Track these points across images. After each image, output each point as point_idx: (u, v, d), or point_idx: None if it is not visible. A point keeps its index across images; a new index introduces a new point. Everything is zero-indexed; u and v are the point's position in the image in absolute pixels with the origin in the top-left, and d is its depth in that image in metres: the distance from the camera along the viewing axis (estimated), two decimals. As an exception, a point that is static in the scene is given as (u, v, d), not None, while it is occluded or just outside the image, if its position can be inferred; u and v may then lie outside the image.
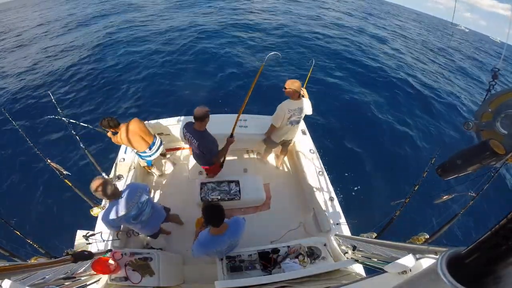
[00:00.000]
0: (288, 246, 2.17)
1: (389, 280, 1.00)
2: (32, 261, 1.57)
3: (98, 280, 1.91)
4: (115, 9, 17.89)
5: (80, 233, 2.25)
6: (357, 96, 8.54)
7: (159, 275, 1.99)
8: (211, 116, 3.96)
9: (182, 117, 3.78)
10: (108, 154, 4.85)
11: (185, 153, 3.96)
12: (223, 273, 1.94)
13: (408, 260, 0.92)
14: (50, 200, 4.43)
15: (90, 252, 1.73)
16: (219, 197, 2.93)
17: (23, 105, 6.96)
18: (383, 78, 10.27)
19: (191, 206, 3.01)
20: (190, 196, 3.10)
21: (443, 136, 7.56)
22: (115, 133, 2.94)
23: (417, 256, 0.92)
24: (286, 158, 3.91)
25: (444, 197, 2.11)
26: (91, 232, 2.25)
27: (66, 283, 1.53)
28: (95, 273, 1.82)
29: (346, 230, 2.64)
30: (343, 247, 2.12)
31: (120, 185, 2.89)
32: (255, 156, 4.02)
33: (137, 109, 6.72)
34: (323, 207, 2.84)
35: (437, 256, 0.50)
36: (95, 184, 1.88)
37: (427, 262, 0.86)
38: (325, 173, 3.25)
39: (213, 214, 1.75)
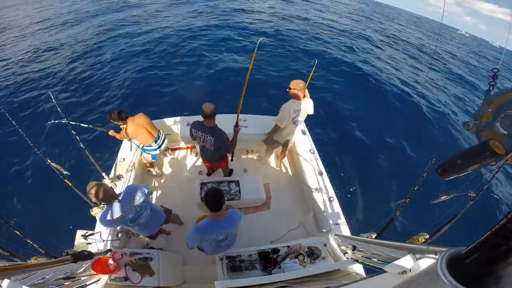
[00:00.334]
0: (288, 246, 2.17)
1: (389, 280, 1.00)
2: (32, 261, 1.57)
3: (98, 280, 1.91)
4: (111, 7, 17.87)
5: (80, 233, 2.25)
6: (357, 95, 8.54)
7: (159, 275, 1.99)
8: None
9: (179, 118, 3.79)
10: (108, 154, 4.86)
11: (184, 153, 3.96)
12: (223, 273, 1.94)
13: (408, 260, 0.92)
14: (50, 200, 4.43)
15: (90, 252, 1.73)
16: (219, 197, 2.93)
17: (23, 105, 6.96)
18: (384, 80, 10.27)
19: (191, 206, 3.01)
20: (190, 196, 3.10)
21: (443, 137, 7.56)
22: (118, 130, 2.96)
23: (417, 256, 0.92)
24: (286, 158, 3.91)
25: (443, 197, 2.11)
26: (90, 232, 2.25)
27: (66, 283, 1.53)
28: (95, 273, 1.82)
29: (346, 230, 2.64)
30: (343, 247, 2.12)
31: (120, 185, 2.89)
32: (255, 156, 4.02)
33: (135, 108, 6.73)
34: (323, 207, 2.84)
35: (437, 256, 0.50)
36: (88, 188, 1.89)
37: (427, 262, 0.86)
38: (325, 173, 3.25)
39: (214, 198, 1.81)
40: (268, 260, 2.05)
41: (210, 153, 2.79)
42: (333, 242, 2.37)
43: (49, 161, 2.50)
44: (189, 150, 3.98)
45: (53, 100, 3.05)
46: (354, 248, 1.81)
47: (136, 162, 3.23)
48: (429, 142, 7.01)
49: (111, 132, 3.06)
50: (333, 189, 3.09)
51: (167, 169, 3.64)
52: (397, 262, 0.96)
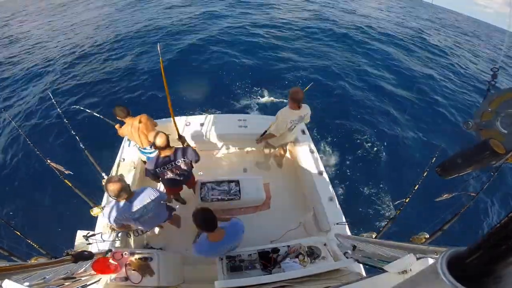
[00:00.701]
0: (288, 246, 2.17)
1: (389, 280, 1.00)
2: (32, 261, 1.57)
3: (99, 280, 1.91)
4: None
5: (80, 233, 2.25)
6: (357, 95, 8.54)
7: (159, 275, 1.99)
8: (210, 116, 3.98)
9: (177, 118, 3.78)
10: (108, 154, 4.85)
11: None
12: (223, 273, 1.93)
13: (408, 260, 0.92)
14: (50, 200, 4.43)
15: (90, 252, 1.73)
16: (219, 197, 2.93)
17: (23, 105, 6.96)
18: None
19: (191, 206, 3.01)
20: (190, 196, 3.10)
21: (443, 136, 7.55)
22: (122, 124, 2.98)
23: (417, 255, 0.92)
24: (286, 158, 3.91)
25: (445, 195, 2.11)
26: (91, 233, 2.25)
27: (67, 283, 1.53)
28: (95, 273, 1.82)
29: (346, 230, 2.64)
30: (343, 247, 2.12)
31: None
32: (255, 156, 4.01)
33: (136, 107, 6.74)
34: (323, 207, 2.84)
35: (437, 256, 0.50)
36: (109, 181, 1.90)
37: (427, 262, 0.86)
38: (325, 173, 3.25)
39: (203, 219, 1.73)
40: (268, 260, 2.05)
41: (185, 175, 2.63)
42: (333, 242, 2.37)
43: (49, 161, 2.50)
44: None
45: (53, 100, 3.05)
46: (354, 247, 1.81)
47: (136, 162, 3.23)
48: (429, 142, 7.01)
49: (117, 126, 3.10)
50: (333, 189, 3.09)
51: None
52: (397, 261, 0.96)
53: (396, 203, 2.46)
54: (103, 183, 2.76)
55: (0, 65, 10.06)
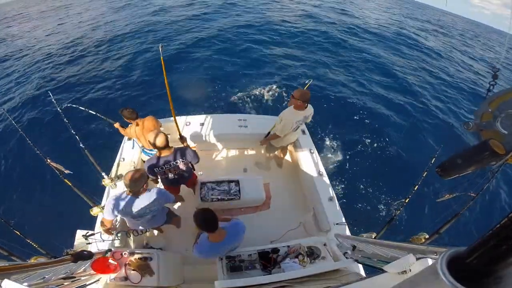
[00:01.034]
0: (288, 246, 2.17)
1: (389, 280, 0.99)
2: (32, 261, 1.57)
3: (98, 280, 1.91)
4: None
5: (79, 233, 2.25)
6: (357, 94, 8.54)
7: (159, 275, 1.99)
8: (210, 116, 3.98)
9: (179, 117, 3.78)
10: (108, 154, 4.85)
11: None
12: (223, 273, 1.93)
13: (408, 260, 0.92)
14: (50, 200, 4.43)
15: (90, 252, 1.73)
16: (219, 197, 2.93)
17: (23, 105, 6.96)
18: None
19: (191, 206, 3.01)
20: (190, 196, 3.10)
21: (443, 136, 7.56)
22: (123, 125, 2.98)
23: (417, 256, 0.92)
24: (286, 158, 3.91)
25: (446, 196, 2.11)
26: (90, 232, 2.25)
27: (66, 283, 1.53)
28: (95, 273, 1.82)
29: (346, 230, 2.64)
30: (343, 247, 2.12)
31: (121, 185, 2.88)
32: (255, 156, 4.01)
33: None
34: (323, 207, 2.84)
35: (437, 256, 0.50)
36: (132, 174, 1.93)
37: (427, 262, 0.86)
38: (325, 173, 3.25)
39: (204, 220, 1.72)
40: (268, 260, 2.05)
41: (184, 175, 2.62)
42: (333, 242, 2.37)
43: (49, 160, 2.50)
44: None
45: (53, 100, 3.05)
46: (354, 248, 1.81)
47: (136, 162, 3.23)
48: (430, 142, 7.01)
49: (116, 125, 3.09)
50: (333, 189, 3.09)
51: None
52: (397, 262, 0.96)
53: (396, 203, 2.46)
54: (103, 183, 2.77)
55: (0, 64, 10.05)
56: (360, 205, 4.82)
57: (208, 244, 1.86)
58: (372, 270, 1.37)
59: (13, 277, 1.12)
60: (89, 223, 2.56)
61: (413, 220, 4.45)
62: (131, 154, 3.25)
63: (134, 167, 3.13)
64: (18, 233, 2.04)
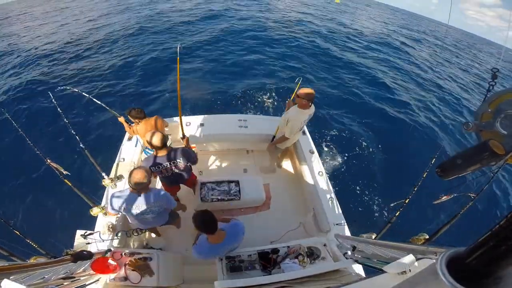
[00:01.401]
0: (288, 246, 2.17)
1: (389, 281, 0.99)
2: (32, 261, 1.57)
3: (98, 280, 1.91)
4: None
5: (79, 233, 2.25)
6: (357, 94, 8.55)
7: (159, 275, 1.99)
8: (210, 116, 3.98)
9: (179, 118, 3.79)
10: (108, 154, 4.85)
11: None
12: (223, 273, 1.93)
13: (407, 261, 0.92)
14: (50, 200, 4.43)
15: (89, 252, 1.73)
16: (219, 197, 2.93)
17: (23, 105, 6.96)
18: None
19: (191, 206, 3.01)
20: (190, 196, 3.09)
21: (443, 137, 7.56)
22: (130, 123, 2.98)
23: (417, 256, 0.92)
24: (286, 159, 3.91)
25: (443, 198, 2.11)
26: (89, 232, 2.25)
27: (66, 283, 1.53)
28: (94, 273, 1.82)
29: (345, 231, 2.64)
30: (343, 248, 2.12)
31: (121, 185, 2.88)
32: (255, 156, 4.01)
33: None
34: (323, 207, 2.83)
35: (437, 257, 0.50)
36: (135, 172, 1.95)
37: (427, 262, 0.86)
38: (325, 173, 3.25)
39: (203, 221, 1.72)
40: (268, 261, 2.04)
41: (181, 175, 2.60)
42: (333, 243, 2.37)
43: (49, 161, 2.50)
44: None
45: (53, 101, 3.05)
46: (354, 248, 1.81)
47: (136, 162, 3.22)
48: (430, 142, 7.01)
49: (121, 119, 3.09)
50: (333, 189, 3.09)
51: None
52: (397, 262, 0.96)
53: (396, 203, 2.46)
54: (103, 183, 2.77)
55: (0, 63, 10.06)
56: (360, 205, 4.82)
57: (208, 245, 1.86)
58: (372, 270, 1.37)
59: (12, 277, 1.12)
60: (89, 223, 2.56)
61: (413, 220, 4.45)
62: (131, 154, 3.25)
63: (134, 168, 3.13)
64: (18, 233, 2.05)
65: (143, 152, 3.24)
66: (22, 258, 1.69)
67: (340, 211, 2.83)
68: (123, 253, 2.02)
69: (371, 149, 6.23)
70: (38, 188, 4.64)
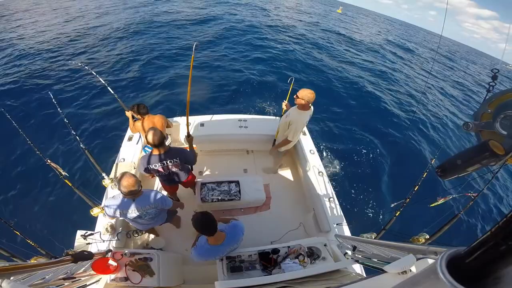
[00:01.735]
0: (288, 247, 2.17)
1: (389, 280, 0.99)
2: (32, 261, 1.57)
3: (98, 280, 1.91)
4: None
5: (80, 233, 2.25)
6: (357, 94, 8.55)
7: (159, 275, 1.99)
8: (210, 116, 3.98)
9: (179, 118, 3.80)
10: (108, 154, 4.86)
11: None
12: (223, 273, 1.93)
13: (408, 261, 0.92)
14: (50, 200, 4.43)
15: (90, 252, 1.73)
16: (219, 198, 2.93)
17: (23, 105, 6.95)
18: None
19: (191, 207, 3.01)
20: (190, 196, 3.10)
21: (443, 137, 7.56)
22: (135, 119, 2.97)
23: (417, 256, 0.92)
24: (286, 159, 3.91)
25: (441, 200, 2.11)
26: (89, 232, 2.25)
27: (66, 283, 1.53)
28: (95, 273, 1.82)
29: (346, 231, 2.64)
30: (343, 248, 2.12)
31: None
32: (255, 156, 4.02)
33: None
34: (323, 208, 2.83)
35: (437, 256, 0.50)
36: (124, 179, 1.89)
37: (427, 262, 0.86)
38: (325, 174, 3.25)
39: (203, 223, 1.71)
40: (268, 261, 2.05)
41: (178, 175, 2.59)
42: (333, 243, 2.37)
43: (49, 161, 2.49)
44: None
45: (54, 101, 3.06)
46: (354, 248, 1.81)
47: (136, 162, 3.23)
48: (429, 143, 7.01)
49: (128, 114, 3.07)
50: (333, 190, 3.09)
51: None
52: (397, 262, 0.96)
53: (396, 203, 2.46)
54: (104, 183, 2.77)
55: (0, 62, 10.05)
56: (360, 205, 4.82)
57: (207, 247, 1.86)
58: (372, 270, 1.37)
59: (13, 278, 1.12)
60: (89, 223, 2.56)
61: (413, 220, 4.45)
62: (131, 155, 3.25)
63: (134, 168, 3.13)
64: (18, 233, 2.04)
65: (143, 151, 3.24)
66: (22, 258, 1.69)
67: (341, 211, 2.83)
68: (123, 254, 2.02)
69: (371, 150, 6.23)
70: (39, 188, 4.64)
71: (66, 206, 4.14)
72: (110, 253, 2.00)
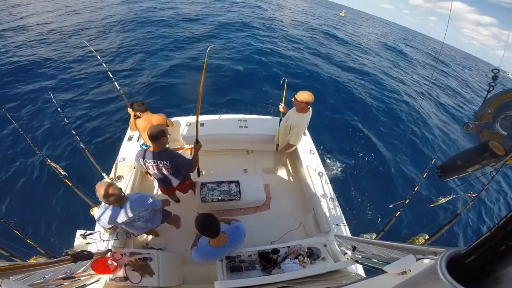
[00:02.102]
0: (288, 247, 2.17)
1: (389, 281, 0.99)
2: (32, 261, 1.57)
3: (98, 280, 1.91)
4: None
5: (79, 233, 2.25)
6: (358, 95, 8.55)
7: (159, 275, 1.99)
8: (211, 116, 3.98)
9: (180, 118, 3.80)
10: (108, 154, 4.86)
11: (185, 154, 3.96)
12: (223, 273, 1.93)
13: (407, 261, 0.92)
14: (50, 200, 4.43)
15: (89, 252, 1.73)
16: (219, 198, 2.93)
17: (23, 105, 6.96)
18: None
19: (191, 207, 3.01)
20: (190, 197, 3.10)
21: (443, 138, 7.56)
22: (136, 117, 2.97)
23: (417, 256, 0.92)
24: (286, 159, 3.91)
25: (441, 200, 2.11)
26: (89, 232, 2.25)
27: (66, 283, 1.53)
28: (94, 273, 1.82)
29: (346, 231, 2.64)
30: (343, 248, 2.12)
31: (121, 185, 2.88)
32: (255, 156, 4.02)
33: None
34: (323, 208, 2.84)
35: (437, 257, 0.50)
36: (99, 186, 1.82)
37: (427, 262, 0.86)
38: (325, 174, 3.25)
39: (206, 225, 1.68)
40: (268, 261, 2.05)
41: (168, 179, 2.50)
42: (333, 243, 2.37)
43: (49, 161, 2.49)
44: (189, 151, 3.98)
45: (54, 101, 3.06)
46: (354, 248, 1.81)
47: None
48: (429, 143, 7.02)
49: (131, 110, 3.06)
50: (333, 190, 3.09)
51: None
52: (397, 262, 0.96)
53: (396, 204, 2.46)
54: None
55: (0, 61, 10.04)
56: (360, 206, 4.82)
57: (209, 249, 1.85)
58: (372, 270, 1.37)
59: (13, 277, 1.12)
60: (89, 223, 2.56)
61: (413, 220, 4.45)
62: (131, 155, 3.26)
63: (134, 168, 3.13)
64: (18, 233, 2.04)
65: (140, 148, 3.24)
66: (22, 258, 1.69)
67: (340, 212, 2.84)
68: (123, 253, 2.02)
69: (371, 150, 6.23)
70: (39, 188, 4.64)
71: (66, 205, 4.14)
72: (109, 253, 2.00)
